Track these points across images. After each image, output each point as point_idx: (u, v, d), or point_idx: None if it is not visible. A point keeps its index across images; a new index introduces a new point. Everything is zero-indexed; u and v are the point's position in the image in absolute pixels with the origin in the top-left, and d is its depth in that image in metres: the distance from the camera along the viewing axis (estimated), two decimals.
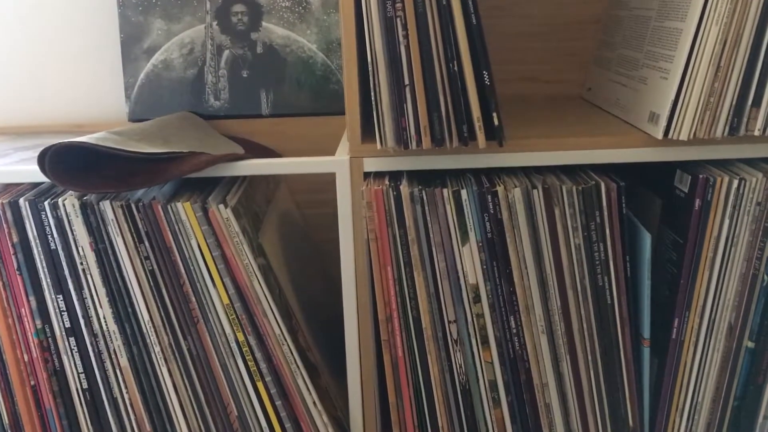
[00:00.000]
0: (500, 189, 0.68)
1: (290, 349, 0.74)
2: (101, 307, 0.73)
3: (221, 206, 0.69)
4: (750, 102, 0.65)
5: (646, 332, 0.72)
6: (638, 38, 0.77)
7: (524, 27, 0.95)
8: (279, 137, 0.97)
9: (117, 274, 0.72)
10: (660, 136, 0.66)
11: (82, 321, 0.74)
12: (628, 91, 0.77)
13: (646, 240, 0.69)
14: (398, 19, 0.63)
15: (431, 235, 0.70)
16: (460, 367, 0.73)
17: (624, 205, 0.69)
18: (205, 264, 0.71)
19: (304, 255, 0.93)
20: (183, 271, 0.71)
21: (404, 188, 0.69)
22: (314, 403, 0.75)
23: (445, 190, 0.68)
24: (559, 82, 0.97)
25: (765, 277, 0.69)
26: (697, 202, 0.68)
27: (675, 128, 0.66)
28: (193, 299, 0.72)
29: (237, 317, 0.72)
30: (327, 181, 1.01)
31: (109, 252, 0.71)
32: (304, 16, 0.93)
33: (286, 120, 0.96)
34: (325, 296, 0.97)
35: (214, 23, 0.94)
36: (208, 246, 0.70)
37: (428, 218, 0.69)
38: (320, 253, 1.03)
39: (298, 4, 0.93)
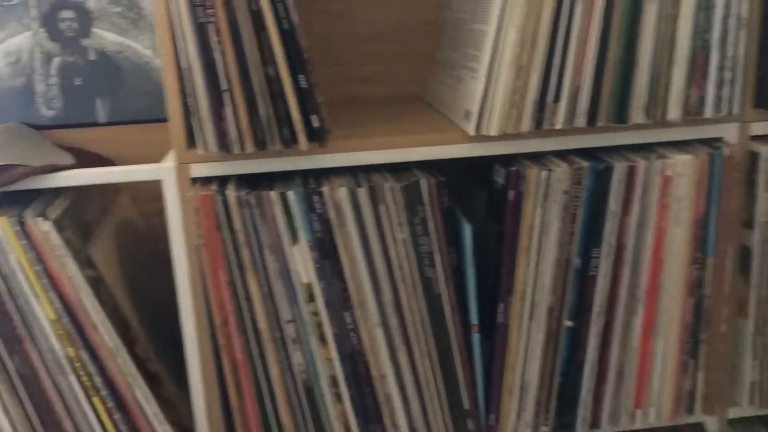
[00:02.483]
0: (325, 189, 0.70)
1: (126, 361, 0.72)
2: None
3: (40, 219, 0.67)
4: (550, 98, 0.69)
5: (475, 319, 0.76)
6: (457, 40, 0.81)
7: (359, 30, 0.97)
8: (119, 146, 0.95)
9: None
10: (472, 132, 0.70)
11: None
12: (450, 90, 0.81)
13: (467, 231, 0.73)
14: (211, 25, 0.64)
15: (262, 238, 0.71)
16: (301, 365, 0.75)
17: (446, 199, 0.72)
18: (27, 279, 0.68)
19: (149, 264, 0.91)
20: (4, 288, 0.69)
21: (231, 192, 0.69)
22: (155, 413, 0.74)
23: (272, 193, 0.69)
24: (399, 83, 1.00)
25: (576, 260, 0.74)
26: (511, 193, 0.72)
27: (485, 124, 0.70)
28: (16, 316, 0.69)
29: (66, 332, 0.70)
30: None
31: None
32: (137, 21, 0.92)
33: (125, 128, 0.94)
34: (175, 304, 0.96)
35: (42, 30, 0.90)
36: (28, 261, 0.68)
37: (257, 221, 0.70)
38: (170, 260, 1.01)
39: (129, 10, 0.91)
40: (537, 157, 0.75)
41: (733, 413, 0.83)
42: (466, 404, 0.78)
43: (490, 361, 0.77)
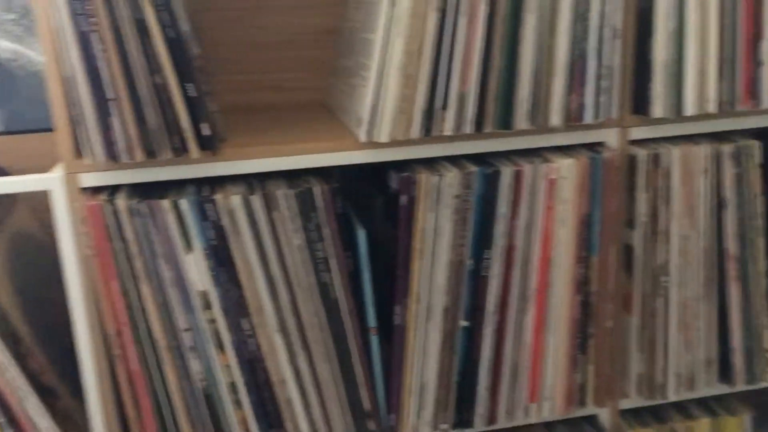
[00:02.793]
0: (219, 197, 0.70)
1: (16, 375, 0.71)
2: None
3: None
4: (438, 105, 0.71)
5: (372, 321, 0.77)
6: (351, 48, 0.83)
7: (262, 37, 0.98)
8: (15, 155, 0.93)
9: None
10: (363, 139, 0.72)
11: None
12: (346, 97, 0.82)
13: (362, 236, 0.74)
14: (95, 34, 0.63)
15: (155, 247, 0.70)
16: (199, 373, 0.75)
17: (340, 204, 0.73)
18: None
19: (49, 275, 0.89)
20: None
21: (121, 201, 0.69)
22: (49, 428, 0.73)
23: (164, 201, 0.69)
24: (304, 90, 1.01)
25: (469, 262, 0.77)
26: (404, 198, 0.74)
27: (376, 131, 0.71)
28: None
29: None
30: None
31: None
32: (31, 28, 0.90)
33: (21, 137, 0.92)
34: None
35: None
36: None
37: (150, 230, 0.70)
38: None
39: (23, 17, 0.89)
40: (431, 163, 0.78)
41: (624, 405, 0.87)
42: (367, 405, 0.79)
43: (389, 362, 0.79)
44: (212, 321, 0.73)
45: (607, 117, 0.75)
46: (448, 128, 0.72)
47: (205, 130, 0.68)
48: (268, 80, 1.00)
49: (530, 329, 0.80)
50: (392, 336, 0.78)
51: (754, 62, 0.76)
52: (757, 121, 0.80)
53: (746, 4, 0.74)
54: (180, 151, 0.68)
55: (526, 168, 0.75)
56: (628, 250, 0.82)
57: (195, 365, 0.74)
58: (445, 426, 0.81)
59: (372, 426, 0.79)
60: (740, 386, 0.86)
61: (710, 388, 0.86)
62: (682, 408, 0.91)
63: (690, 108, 0.76)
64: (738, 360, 0.85)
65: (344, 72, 0.87)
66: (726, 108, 0.76)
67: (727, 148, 0.78)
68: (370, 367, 0.79)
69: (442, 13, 0.69)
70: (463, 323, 0.79)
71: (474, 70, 0.71)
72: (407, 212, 0.74)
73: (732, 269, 0.82)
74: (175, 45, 0.65)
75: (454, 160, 0.78)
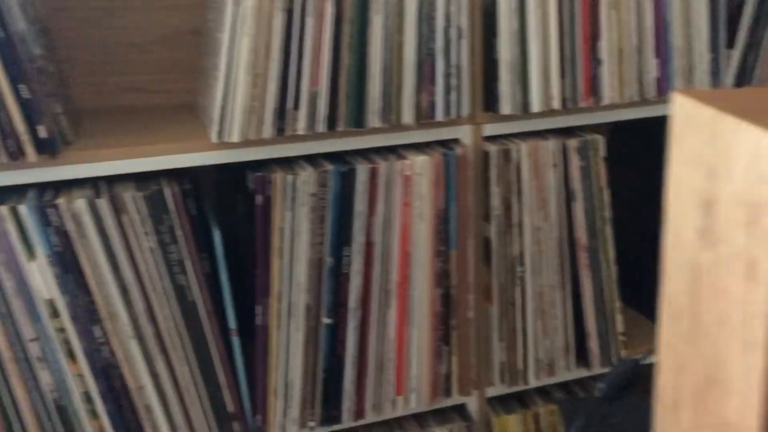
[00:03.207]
0: (61, 201, 0.68)
1: None
2: None
3: None
4: (290, 105, 0.72)
5: (232, 323, 0.77)
6: (208, 48, 0.82)
7: (126, 38, 0.95)
8: None
9: None
10: (215, 139, 0.71)
11: None
12: (205, 98, 0.81)
13: (217, 237, 0.74)
14: None
15: None
16: (50, 384, 0.72)
17: (194, 205, 0.72)
18: None
19: None
20: None
21: None
22: None
23: (1, 208, 0.67)
24: (171, 92, 0.99)
25: (329, 259, 0.77)
26: (259, 197, 0.74)
27: (226, 131, 0.71)
28: None
29: None
30: None
31: None
32: None
33: None
34: None
35: None
36: None
37: None
38: None
39: None
40: (289, 163, 0.78)
41: (490, 392, 0.90)
42: (231, 407, 0.78)
43: (253, 362, 0.79)
44: (61, 330, 0.71)
45: (458, 114, 0.78)
46: (300, 127, 0.73)
47: (42, 132, 0.65)
48: (133, 82, 0.97)
49: (393, 323, 0.81)
50: (254, 336, 0.78)
51: (593, 61, 0.80)
52: (599, 116, 0.84)
53: (582, 4, 0.78)
54: (16, 155, 0.65)
55: (381, 165, 0.76)
56: (486, 243, 0.84)
57: (45, 376, 0.72)
58: (312, 423, 0.82)
59: (237, 428, 0.79)
60: (597, 369, 0.91)
61: (569, 372, 0.90)
62: (545, 393, 0.95)
63: (536, 105, 0.79)
64: (593, 344, 0.90)
65: (205, 73, 0.86)
66: (569, 104, 0.80)
67: (573, 143, 0.82)
68: (232, 368, 0.78)
69: (289, 12, 0.69)
70: (326, 320, 0.79)
71: (324, 69, 0.72)
72: (263, 212, 0.74)
73: (583, 258, 0.86)
74: (5, 45, 0.63)
75: (312, 159, 0.79)
